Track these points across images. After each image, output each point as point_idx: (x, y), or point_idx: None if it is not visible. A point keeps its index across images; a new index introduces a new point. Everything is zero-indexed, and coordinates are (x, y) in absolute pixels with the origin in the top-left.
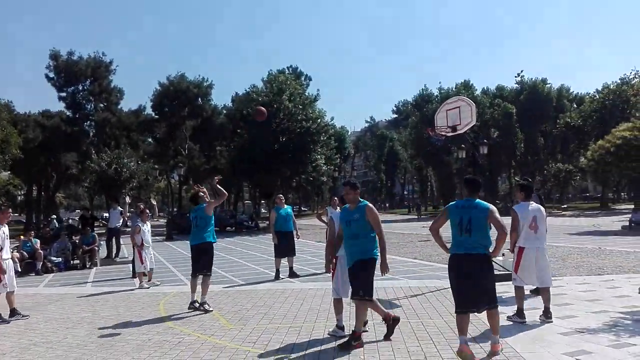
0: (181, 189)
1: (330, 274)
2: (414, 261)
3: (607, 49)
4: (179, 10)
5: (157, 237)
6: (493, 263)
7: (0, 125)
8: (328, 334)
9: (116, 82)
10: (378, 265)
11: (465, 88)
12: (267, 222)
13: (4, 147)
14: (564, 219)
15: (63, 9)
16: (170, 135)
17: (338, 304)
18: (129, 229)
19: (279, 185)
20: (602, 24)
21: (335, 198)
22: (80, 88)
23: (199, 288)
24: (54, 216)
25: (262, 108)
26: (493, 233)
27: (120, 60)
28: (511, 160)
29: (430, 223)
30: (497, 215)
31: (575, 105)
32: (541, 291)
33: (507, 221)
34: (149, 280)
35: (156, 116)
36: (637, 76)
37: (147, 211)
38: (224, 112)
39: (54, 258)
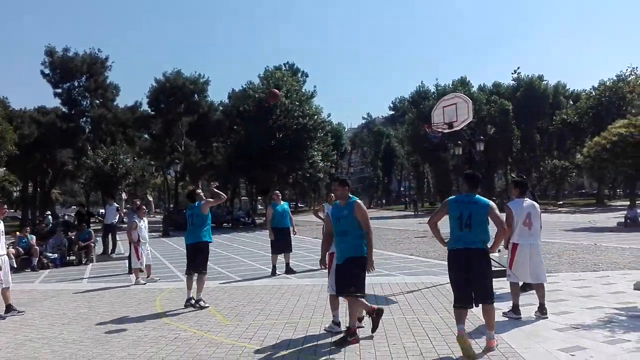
0: (177, 185)
1: (326, 270)
2: (410, 257)
3: (606, 49)
4: (178, 10)
5: (153, 234)
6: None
7: None
8: (324, 330)
9: (112, 79)
10: None
11: (462, 85)
12: (264, 219)
13: None
14: (560, 215)
15: (63, 9)
16: (166, 132)
17: (334, 300)
18: (125, 225)
19: (276, 181)
20: (602, 23)
21: (332, 194)
22: (76, 84)
23: (194, 285)
24: (49, 212)
25: (276, 90)
26: (492, 231)
27: (117, 57)
28: (507, 157)
29: (426, 219)
30: (497, 211)
31: (571, 102)
32: (536, 287)
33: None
34: (147, 276)
35: (152, 112)
36: (633, 73)
37: (144, 207)
38: (221, 108)
39: (50, 254)
